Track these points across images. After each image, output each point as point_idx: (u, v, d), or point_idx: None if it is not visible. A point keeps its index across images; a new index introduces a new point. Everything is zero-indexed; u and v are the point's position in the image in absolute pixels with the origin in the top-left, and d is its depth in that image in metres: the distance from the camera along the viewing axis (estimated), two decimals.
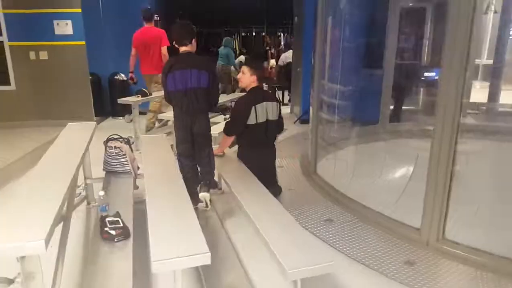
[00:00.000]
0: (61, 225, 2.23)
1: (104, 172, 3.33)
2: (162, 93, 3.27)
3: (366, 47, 6.12)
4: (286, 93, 9.11)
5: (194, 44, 2.98)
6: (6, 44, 5.95)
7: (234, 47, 12.27)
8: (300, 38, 6.95)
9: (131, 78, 5.75)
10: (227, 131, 3.04)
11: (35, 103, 6.39)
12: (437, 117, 2.56)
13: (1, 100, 6.05)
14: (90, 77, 6.83)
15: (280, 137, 5.73)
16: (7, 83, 6.10)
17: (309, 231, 2.97)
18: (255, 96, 2.97)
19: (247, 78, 2.98)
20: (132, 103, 4.92)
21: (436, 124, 2.58)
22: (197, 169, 3.17)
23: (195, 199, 2.96)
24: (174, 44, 3.02)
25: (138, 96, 5.11)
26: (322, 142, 4.32)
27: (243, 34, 13.58)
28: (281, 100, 9.14)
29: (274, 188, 3.17)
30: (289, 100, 8.93)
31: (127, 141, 3.37)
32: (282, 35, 13.13)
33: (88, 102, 6.56)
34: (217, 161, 3.27)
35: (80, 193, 3.39)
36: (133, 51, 5.62)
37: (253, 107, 2.90)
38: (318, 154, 4.13)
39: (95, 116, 6.78)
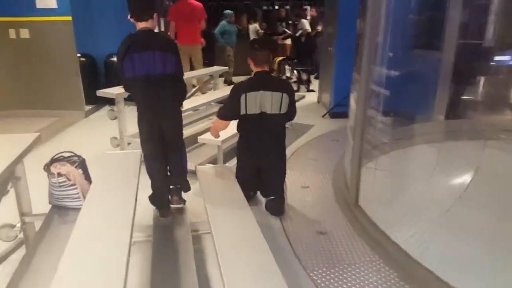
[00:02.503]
0: None
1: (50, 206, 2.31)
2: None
3: (420, 22, 4.79)
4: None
5: (155, 20, 2.36)
6: None
7: (242, 22, 10.55)
8: (335, 10, 5.59)
9: None
10: (219, 113, 2.77)
11: (16, 90, 5.45)
12: None
13: None
14: (83, 59, 5.91)
15: (302, 138, 4.60)
16: None
17: None
18: (250, 82, 2.63)
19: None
20: (114, 96, 3.79)
21: None
22: (167, 172, 2.65)
23: (167, 210, 2.63)
24: (129, 18, 2.30)
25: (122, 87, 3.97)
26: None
27: (264, 8, 12.08)
28: (304, 83, 7.96)
29: (273, 201, 2.82)
30: (307, 80, 7.84)
31: (81, 162, 2.29)
32: (308, 8, 11.53)
33: (77, 88, 5.56)
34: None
35: (16, 236, 2.36)
36: (173, 24, 6.00)
37: (243, 95, 2.55)
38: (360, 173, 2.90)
39: (88, 104, 5.80)
